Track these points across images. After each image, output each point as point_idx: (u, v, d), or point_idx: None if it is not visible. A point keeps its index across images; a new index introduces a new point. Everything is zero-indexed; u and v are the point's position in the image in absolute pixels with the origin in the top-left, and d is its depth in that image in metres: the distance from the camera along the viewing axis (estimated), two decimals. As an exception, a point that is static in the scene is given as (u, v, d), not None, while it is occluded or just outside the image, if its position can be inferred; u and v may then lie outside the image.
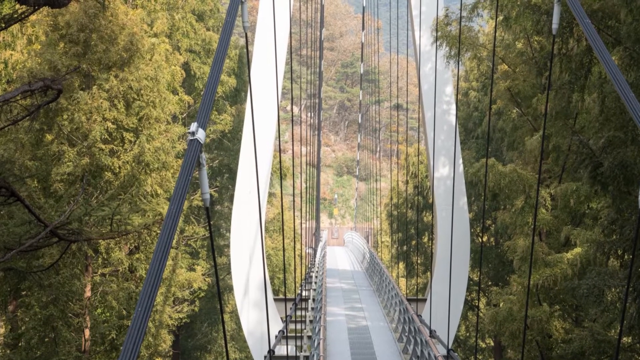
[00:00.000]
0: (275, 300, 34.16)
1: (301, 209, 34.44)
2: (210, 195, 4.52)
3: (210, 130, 44.60)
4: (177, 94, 38.41)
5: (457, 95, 23.20)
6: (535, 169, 26.47)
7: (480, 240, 39.54)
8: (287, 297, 32.30)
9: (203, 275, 42.62)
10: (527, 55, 29.01)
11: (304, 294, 31.27)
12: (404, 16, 37.11)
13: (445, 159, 33.03)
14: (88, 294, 26.59)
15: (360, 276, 48.08)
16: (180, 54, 39.67)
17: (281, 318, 30.84)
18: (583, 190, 22.39)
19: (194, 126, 4.62)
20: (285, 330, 21.92)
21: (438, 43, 28.16)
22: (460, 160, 32.90)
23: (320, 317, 23.53)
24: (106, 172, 26.79)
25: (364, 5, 67.64)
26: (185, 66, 41.84)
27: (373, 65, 71.32)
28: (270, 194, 49.38)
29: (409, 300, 26.91)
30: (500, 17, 25.61)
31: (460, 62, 30.49)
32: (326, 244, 65.28)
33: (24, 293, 24.24)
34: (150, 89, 27.79)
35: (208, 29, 46.32)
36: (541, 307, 24.18)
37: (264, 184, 31.32)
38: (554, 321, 24.38)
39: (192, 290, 42.19)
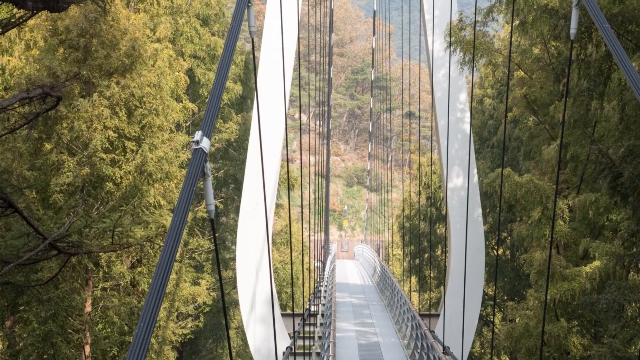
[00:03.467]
0: (282, 315, 34.11)
1: (309, 221, 34.53)
2: (216, 206, 4.54)
3: (215, 139, 44.66)
4: (181, 102, 38.46)
5: (471, 102, 23.16)
6: (552, 179, 26.37)
7: (495, 253, 39.45)
8: (295, 312, 32.28)
9: (208, 289, 42.62)
10: (544, 61, 28.93)
11: (312, 309, 31.23)
12: (417, 20, 37.13)
13: (459, 168, 32.94)
14: (88, 309, 26.59)
15: (371, 290, 48.03)
16: (184, 60, 39.71)
17: (289, 334, 30.78)
18: (602, 202, 22.30)
19: (198, 135, 4.63)
20: (293, 347, 21.88)
21: (452, 48, 28.11)
22: (475, 170, 32.81)
23: (329, 333, 23.50)
24: (107, 183, 26.82)
25: (375, 9, 67.52)
26: (190, 72, 41.86)
27: (384, 71, 71.12)
28: (278, 205, 49.31)
29: (421, 315, 26.81)
30: (517, 22, 25.56)
31: (474, 69, 30.41)
32: (335, 257, 65.22)
33: (22, 308, 24.25)
34: (153, 96, 27.81)
35: (213, 34, 46.35)
36: (559, 323, 24.08)
37: (271, 195, 31.28)
38: (572, 337, 24.26)
39: (196, 305, 42.20)
